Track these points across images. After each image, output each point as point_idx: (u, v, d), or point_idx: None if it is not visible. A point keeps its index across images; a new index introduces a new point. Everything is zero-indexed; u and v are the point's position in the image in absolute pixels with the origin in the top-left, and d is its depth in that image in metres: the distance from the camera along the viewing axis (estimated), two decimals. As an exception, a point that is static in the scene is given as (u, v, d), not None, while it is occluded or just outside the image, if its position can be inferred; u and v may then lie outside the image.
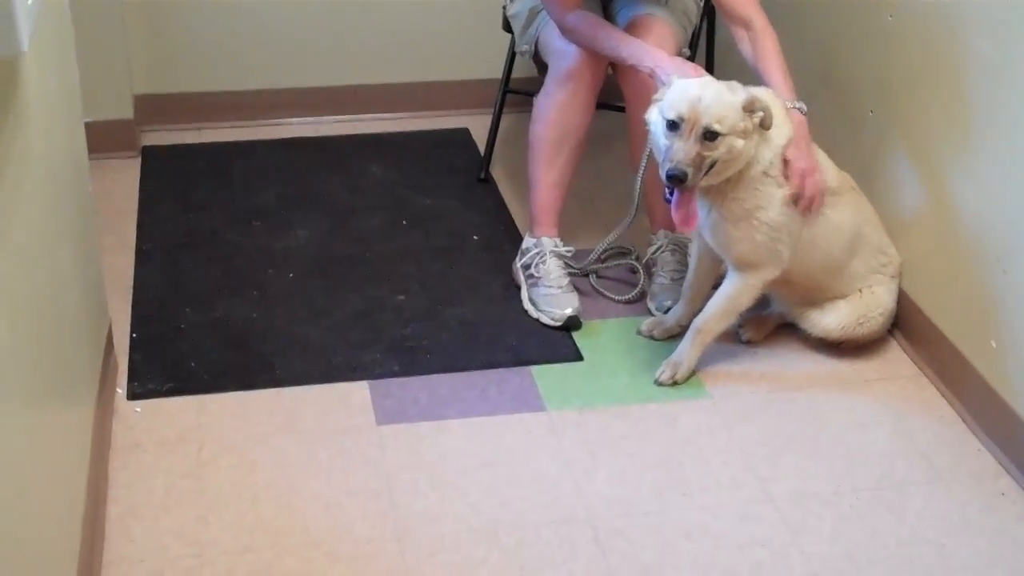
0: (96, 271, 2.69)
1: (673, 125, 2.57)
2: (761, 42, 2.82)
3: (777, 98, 2.74)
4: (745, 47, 2.86)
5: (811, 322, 2.91)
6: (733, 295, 2.81)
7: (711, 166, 2.59)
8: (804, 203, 2.70)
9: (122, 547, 2.30)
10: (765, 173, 2.67)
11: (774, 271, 2.77)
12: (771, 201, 2.69)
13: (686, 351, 2.84)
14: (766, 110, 2.60)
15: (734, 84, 2.64)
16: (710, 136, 2.55)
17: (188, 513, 2.39)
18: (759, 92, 2.68)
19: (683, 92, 2.59)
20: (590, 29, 2.90)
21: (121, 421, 2.62)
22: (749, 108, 2.58)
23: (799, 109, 2.73)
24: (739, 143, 2.59)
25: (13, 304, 1.76)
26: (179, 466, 2.51)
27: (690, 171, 2.54)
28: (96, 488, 2.32)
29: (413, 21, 3.96)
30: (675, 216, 2.63)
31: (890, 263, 2.93)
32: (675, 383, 2.83)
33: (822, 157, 2.82)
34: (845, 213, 2.83)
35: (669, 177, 2.55)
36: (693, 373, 2.85)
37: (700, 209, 2.71)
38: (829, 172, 2.81)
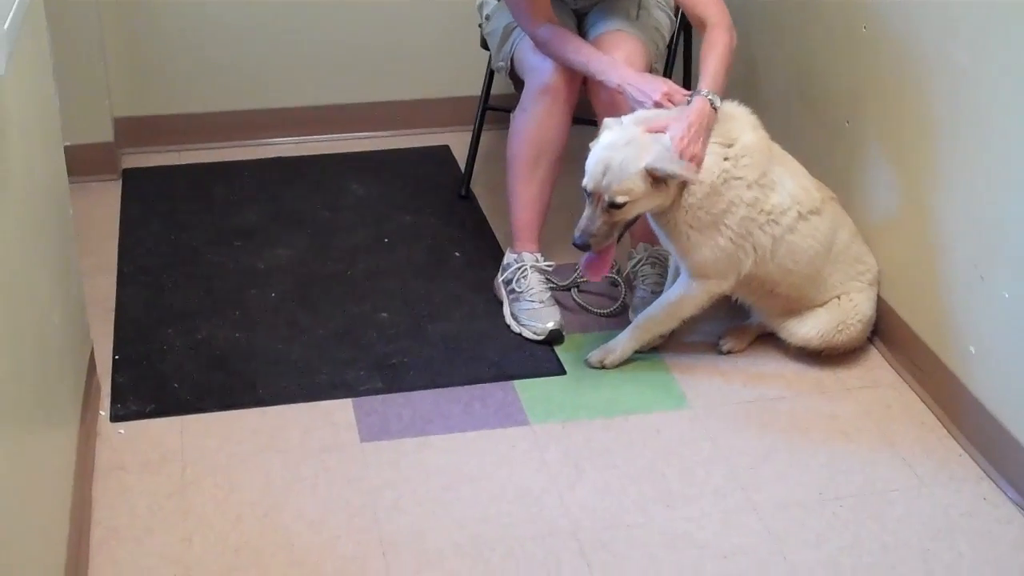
0: (78, 294, 2.69)
1: (587, 191, 2.66)
2: (709, 37, 2.83)
3: (740, 107, 2.79)
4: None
5: (790, 331, 2.93)
6: (677, 302, 2.86)
7: (629, 223, 2.71)
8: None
9: (106, 569, 2.30)
10: (732, 176, 2.69)
11: (726, 283, 2.82)
12: (739, 203, 2.71)
13: (623, 341, 2.91)
14: (668, 175, 2.61)
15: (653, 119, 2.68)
16: (615, 206, 2.63)
17: (172, 534, 2.38)
18: (727, 108, 2.74)
19: (593, 162, 2.66)
20: (560, 43, 2.93)
21: (104, 443, 2.62)
22: (652, 176, 2.61)
23: (711, 101, 2.71)
24: (652, 203, 2.66)
25: (-8, 328, 1.76)
26: (163, 487, 2.51)
27: (593, 240, 2.68)
28: (80, 511, 2.32)
29: (392, 40, 3.98)
30: (583, 263, 2.81)
31: (868, 271, 2.95)
32: (603, 367, 2.90)
33: (799, 175, 2.83)
34: (826, 225, 2.85)
35: (575, 244, 2.70)
36: (624, 363, 2.92)
37: (654, 220, 2.78)
38: (808, 191, 2.82)
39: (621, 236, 2.75)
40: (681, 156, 2.63)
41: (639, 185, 2.62)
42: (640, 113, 2.74)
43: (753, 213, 2.73)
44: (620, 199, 2.63)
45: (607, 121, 2.73)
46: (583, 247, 2.71)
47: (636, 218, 2.72)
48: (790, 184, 2.78)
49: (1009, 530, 2.46)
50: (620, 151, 2.62)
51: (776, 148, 2.83)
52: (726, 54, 2.81)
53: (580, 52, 2.90)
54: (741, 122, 2.77)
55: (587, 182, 2.66)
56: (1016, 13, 2.42)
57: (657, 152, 2.61)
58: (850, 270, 2.92)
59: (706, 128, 2.69)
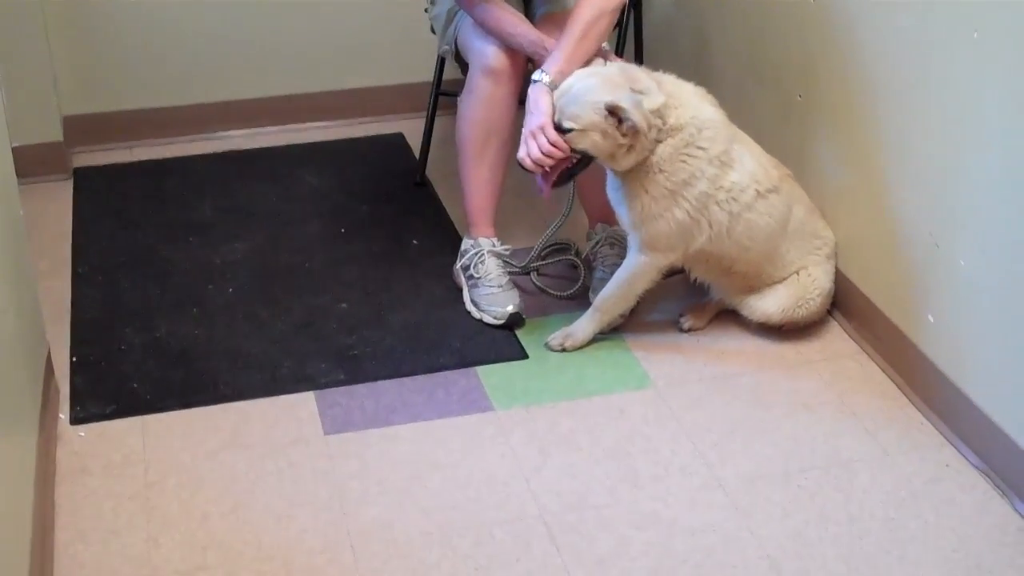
0: (31, 296, 2.66)
1: None
2: (578, 7, 2.83)
3: (689, 83, 2.80)
4: None
5: (751, 308, 2.94)
6: (629, 279, 2.87)
7: (579, 163, 2.74)
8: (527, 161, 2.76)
9: (72, 573, 2.28)
10: (695, 144, 2.70)
11: (674, 255, 2.83)
12: (701, 176, 2.72)
13: (583, 325, 2.92)
14: (631, 119, 2.62)
15: (632, 74, 2.69)
16: (562, 130, 2.66)
17: (138, 535, 2.37)
18: (668, 84, 2.73)
19: (564, 83, 2.71)
20: (497, 22, 2.92)
21: (65, 446, 2.60)
22: (612, 112, 2.62)
23: (540, 81, 2.75)
24: (599, 145, 2.67)
25: (-56, 335, 1.74)
26: (126, 488, 2.48)
27: (527, 167, 2.72)
28: (43, 515, 2.30)
29: (342, 28, 3.95)
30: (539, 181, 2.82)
31: (825, 245, 2.96)
32: (564, 350, 2.92)
33: (756, 153, 2.84)
34: (783, 203, 2.86)
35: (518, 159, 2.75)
36: (585, 345, 2.92)
37: (613, 189, 2.81)
38: (767, 169, 2.83)
39: (573, 176, 2.78)
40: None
41: (589, 116, 2.63)
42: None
43: (712, 189, 2.74)
44: (567, 124, 2.65)
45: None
46: (520, 165, 2.74)
47: (584, 162, 2.73)
48: (749, 162, 2.79)
49: (972, 496, 2.48)
50: (583, 80, 2.67)
51: (734, 128, 2.84)
52: (589, 26, 2.80)
53: (516, 30, 2.90)
54: (691, 94, 2.77)
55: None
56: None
57: (624, 96, 2.63)
58: (807, 245, 2.93)
59: (534, 108, 2.73)
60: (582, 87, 2.66)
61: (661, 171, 2.71)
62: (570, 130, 2.66)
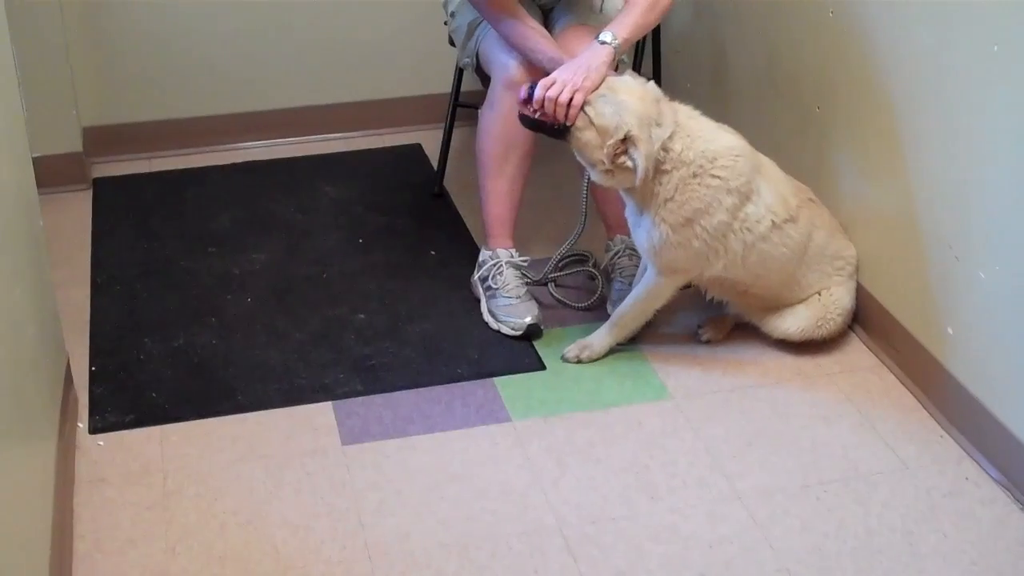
0: (51, 306, 2.67)
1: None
2: None
3: (706, 119, 2.78)
4: None
5: (771, 326, 2.93)
6: (647, 297, 2.87)
7: (560, 131, 2.70)
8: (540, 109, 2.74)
9: (91, 583, 2.29)
10: (708, 174, 2.69)
11: (693, 274, 2.83)
12: (719, 206, 2.71)
13: (600, 338, 2.92)
14: (633, 161, 2.63)
15: (662, 108, 2.68)
16: (574, 106, 2.65)
17: (156, 545, 2.37)
18: (682, 115, 2.73)
19: (611, 75, 2.71)
20: (521, 38, 2.92)
21: (84, 456, 2.61)
22: (625, 140, 2.63)
23: (609, 43, 2.76)
24: (589, 148, 2.67)
25: (-35, 344, 1.74)
26: (144, 498, 2.49)
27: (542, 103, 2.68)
28: (61, 525, 2.30)
29: (360, 39, 3.96)
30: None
31: (847, 264, 2.95)
32: (580, 362, 2.91)
33: (777, 182, 2.82)
34: (800, 233, 2.84)
35: (530, 87, 2.73)
36: (601, 358, 2.92)
37: (631, 213, 2.80)
38: (785, 199, 2.81)
39: (542, 127, 2.75)
40: (550, 82, 2.69)
41: (608, 125, 2.63)
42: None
43: (730, 218, 2.73)
44: (588, 110, 2.65)
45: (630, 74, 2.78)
46: (531, 91, 2.72)
47: (560, 133, 2.70)
48: (768, 194, 2.77)
49: (992, 509, 2.47)
50: (634, 93, 2.66)
51: (759, 156, 2.83)
52: (647, 9, 2.83)
53: (537, 46, 2.90)
54: (705, 126, 2.76)
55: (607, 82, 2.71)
56: (982, -6, 2.42)
57: (646, 138, 2.62)
58: (827, 268, 2.91)
59: (590, 66, 2.71)
60: (629, 101, 2.64)
61: (671, 200, 2.70)
62: (582, 107, 2.66)
